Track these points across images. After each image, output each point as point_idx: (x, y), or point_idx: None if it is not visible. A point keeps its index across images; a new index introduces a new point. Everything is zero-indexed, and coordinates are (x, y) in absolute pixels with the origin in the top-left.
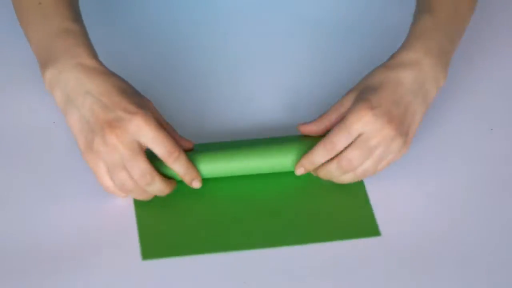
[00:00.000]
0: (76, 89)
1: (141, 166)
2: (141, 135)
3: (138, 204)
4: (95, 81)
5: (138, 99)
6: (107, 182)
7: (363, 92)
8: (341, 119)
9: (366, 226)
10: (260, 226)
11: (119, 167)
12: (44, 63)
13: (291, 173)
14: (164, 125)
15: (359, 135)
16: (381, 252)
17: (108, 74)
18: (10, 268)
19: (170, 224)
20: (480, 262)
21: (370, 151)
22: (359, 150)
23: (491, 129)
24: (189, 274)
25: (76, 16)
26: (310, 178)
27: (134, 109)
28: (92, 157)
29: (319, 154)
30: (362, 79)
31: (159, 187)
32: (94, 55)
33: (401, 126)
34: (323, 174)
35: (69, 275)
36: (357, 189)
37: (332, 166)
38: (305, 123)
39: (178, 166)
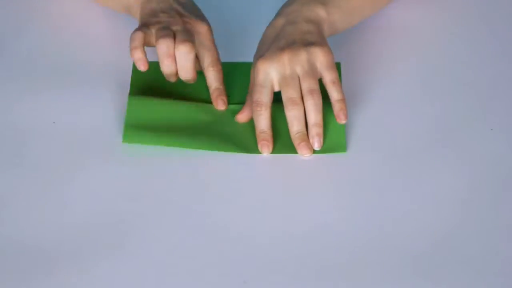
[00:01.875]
0: None
1: (188, 37)
2: (200, 36)
3: (131, 99)
4: None
5: (204, 16)
6: (143, 26)
7: (255, 55)
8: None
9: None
10: (240, 132)
11: (168, 29)
12: None
13: None
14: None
15: (272, 80)
16: (382, 249)
17: None
18: (10, 268)
19: (155, 118)
20: (480, 262)
21: (292, 78)
22: (286, 86)
23: (491, 129)
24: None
25: None
26: None
27: (204, 19)
28: (149, 19)
29: (261, 121)
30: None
31: (191, 58)
32: None
33: (297, 44)
34: (299, 125)
35: (70, 275)
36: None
37: (289, 114)
38: (238, 114)
39: (214, 78)
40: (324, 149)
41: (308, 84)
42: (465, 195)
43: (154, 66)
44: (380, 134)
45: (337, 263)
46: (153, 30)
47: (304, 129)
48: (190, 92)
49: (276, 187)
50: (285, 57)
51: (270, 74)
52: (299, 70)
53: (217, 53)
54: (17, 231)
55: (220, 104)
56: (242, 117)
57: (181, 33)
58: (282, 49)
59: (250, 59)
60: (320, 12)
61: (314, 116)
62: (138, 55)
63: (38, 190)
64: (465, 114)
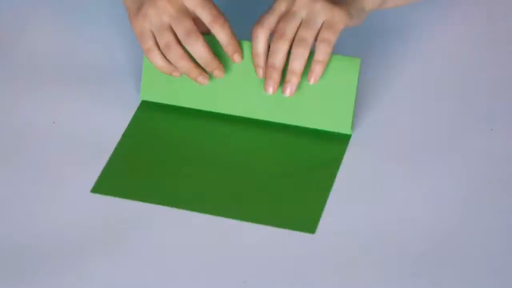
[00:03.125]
0: None
1: (187, 24)
2: (190, 0)
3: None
4: None
5: None
6: (149, 44)
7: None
8: None
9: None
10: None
11: (165, 29)
12: None
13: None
14: None
15: (281, 10)
16: (382, 249)
17: None
18: (10, 268)
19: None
20: (480, 262)
21: (294, 17)
22: (283, 20)
23: (491, 129)
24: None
25: None
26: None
27: None
28: (139, 20)
29: (258, 43)
30: None
31: (200, 50)
32: None
33: None
34: (276, 57)
35: (70, 275)
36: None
37: (272, 45)
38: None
39: (222, 33)
40: (327, 124)
41: (302, 32)
42: (465, 195)
43: None
44: (380, 133)
45: (337, 263)
46: (155, 38)
47: (281, 65)
48: None
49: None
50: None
51: (282, 5)
52: (302, 13)
53: (214, 6)
54: (17, 231)
55: (237, 60)
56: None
57: (176, 22)
58: None
59: None
60: None
61: (296, 63)
62: (167, 70)
63: (38, 190)
64: (465, 114)
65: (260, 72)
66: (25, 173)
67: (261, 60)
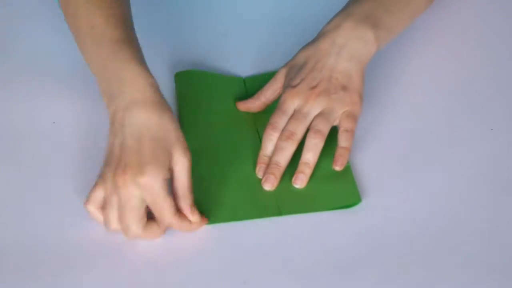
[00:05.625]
0: (117, 118)
1: (132, 220)
2: (146, 194)
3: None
4: (141, 116)
5: (168, 147)
6: (94, 204)
7: (289, 71)
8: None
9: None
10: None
11: (113, 206)
12: (103, 90)
13: None
14: (180, 186)
15: (295, 111)
16: (381, 249)
17: (160, 109)
18: (10, 269)
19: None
20: (480, 262)
21: (305, 116)
22: (294, 119)
23: (491, 129)
24: None
25: (126, 34)
26: None
27: (153, 164)
28: (98, 183)
29: (267, 143)
30: (292, 57)
31: (137, 223)
32: (143, 84)
33: (328, 87)
34: (282, 156)
35: (70, 275)
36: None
37: (279, 143)
38: (242, 101)
39: (161, 230)
40: (338, 202)
41: (318, 124)
42: (465, 195)
43: (197, 75)
44: (379, 133)
45: (337, 263)
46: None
47: (286, 164)
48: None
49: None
50: (313, 97)
51: (294, 104)
52: (317, 110)
53: (168, 202)
54: (17, 231)
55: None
56: (242, 105)
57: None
58: (314, 87)
59: (243, 59)
60: (369, 43)
61: (310, 155)
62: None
63: (38, 190)
64: (465, 114)
65: (262, 171)
66: (25, 173)
67: (267, 160)
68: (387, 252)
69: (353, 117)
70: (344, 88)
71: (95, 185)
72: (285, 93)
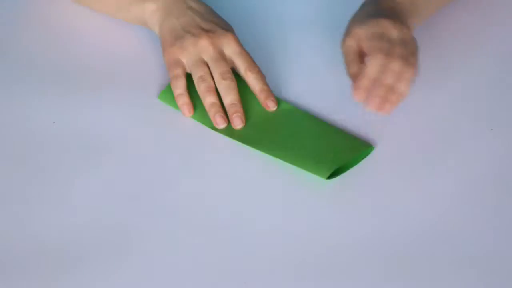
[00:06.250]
0: (177, 5)
1: (225, 66)
2: (229, 47)
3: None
4: (195, 2)
5: (224, 21)
6: (178, 71)
7: (359, 40)
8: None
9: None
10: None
11: (203, 63)
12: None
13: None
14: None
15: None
16: (381, 249)
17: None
18: (11, 269)
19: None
20: (480, 262)
21: (404, 43)
22: (400, 45)
23: (491, 129)
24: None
25: None
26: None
27: (227, 27)
28: (175, 50)
29: (374, 66)
30: (348, 33)
31: (231, 93)
32: None
33: (405, 51)
34: (394, 77)
35: (71, 275)
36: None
37: (391, 65)
38: (355, 90)
39: (256, 80)
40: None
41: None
42: (465, 195)
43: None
44: (380, 134)
45: (337, 263)
46: (188, 69)
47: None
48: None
49: (276, 187)
50: (395, 55)
51: (394, 34)
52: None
53: (250, 57)
54: (17, 231)
55: (271, 106)
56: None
57: (215, 63)
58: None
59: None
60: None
61: (401, 85)
62: (183, 100)
63: (38, 190)
64: (465, 114)
65: (363, 94)
66: (25, 173)
67: (369, 83)
68: (387, 252)
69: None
70: (413, 55)
71: (173, 68)
72: (385, 21)
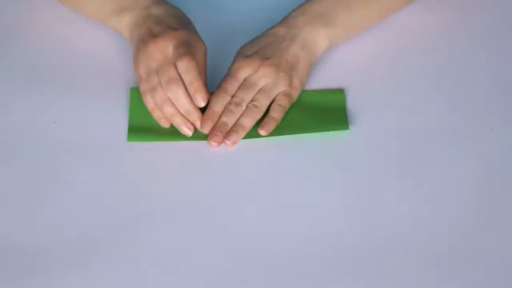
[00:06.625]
0: (141, 14)
1: (171, 72)
2: (171, 48)
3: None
4: (158, 8)
5: (181, 20)
6: (143, 87)
7: (243, 48)
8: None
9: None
10: None
11: (153, 73)
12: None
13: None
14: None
15: (245, 80)
16: (381, 249)
17: (166, 4)
18: (9, 269)
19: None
20: (480, 262)
21: (254, 85)
22: (244, 87)
23: (491, 129)
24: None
25: None
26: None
27: (178, 25)
28: (135, 64)
29: (217, 103)
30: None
31: (181, 98)
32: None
33: (279, 62)
34: (231, 118)
35: (70, 275)
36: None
37: (229, 107)
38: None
39: (185, 74)
40: (327, 127)
41: (259, 99)
42: (465, 195)
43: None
44: (380, 133)
45: (337, 263)
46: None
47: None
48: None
49: (276, 187)
50: (264, 67)
51: (246, 73)
52: (264, 82)
53: (182, 50)
54: (16, 231)
55: (198, 102)
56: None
57: (162, 70)
58: (266, 60)
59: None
60: (320, 37)
61: (247, 120)
62: (157, 114)
63: (38, 190)
64: (465, 114)
65: (209, 126)
66: (25, 173)
67: (215, 118)
68: (386, 252)
69: (290, 98)
70: (292, 69)
71: (138, 81)
72: (238, 61)
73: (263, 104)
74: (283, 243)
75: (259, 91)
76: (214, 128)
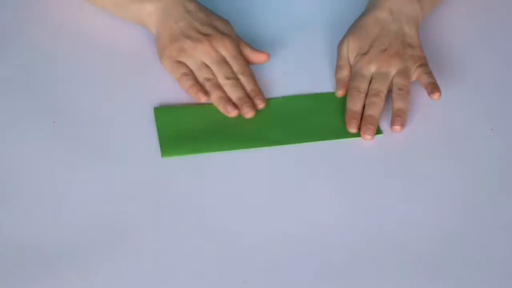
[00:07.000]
0: (176, 7)
1: (228, 68)
2: (226, 51)
3: (157, 111)
4: (194, 5)
5: (222, 21)
6: (183, 70)
7: (352, 42)
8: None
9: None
10: (270, 128)
11: (206, 67)
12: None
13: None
14: (240, 43)
15: (373, 74)
16: (381, 249)
17: (197, 2)
18: (10, 269)
19: (187, 126)
20: (480, 262)
21: (385, 77)
22: (377, 80)
23: (491, 129)
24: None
25: None
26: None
27: (225, 30)
28: (178, 55)
29: (354, 102)
30: (348, 31)
31: (240, 88)
32: None
33: (398, 47)
34: (375, 109)
35: (69, 275)
36: None
37: (370, 99)
38: (336, 92)
39: (247, 83)
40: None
41: (400, 82)
42: (465, 195)
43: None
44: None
45: (337, 263)
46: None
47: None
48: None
49: (276, 187)
50: (387, 59)
51: (371, 70)
52: (394, 70)
53: (244, 60)
54: (16, 231)
55: (258, 103)
56: (342, 93)
57: (218, 66)
58: (384, 50)
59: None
60: (418, 11)
61: (401, 103)
62: (197, 87)
63: (37, 190)
64: (465, 114)
65: (355, 126)
66: (25, 173)
67: (358, 116)
68: (386, 252)
69: (427, 69)
70: (411, 46)
71: (175, 70)
72: (359, 61)
73: (407, 85)
74: (283, 243)
75: (395, 75)
76: (363, 123)
